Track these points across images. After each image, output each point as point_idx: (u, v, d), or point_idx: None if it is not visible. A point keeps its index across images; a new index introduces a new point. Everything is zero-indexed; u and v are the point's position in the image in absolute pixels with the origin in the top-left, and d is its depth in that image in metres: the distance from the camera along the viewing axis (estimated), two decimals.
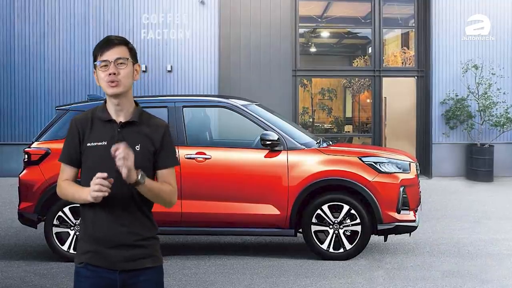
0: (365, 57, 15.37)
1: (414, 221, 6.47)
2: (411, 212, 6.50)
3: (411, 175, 6.60)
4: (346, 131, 15.58)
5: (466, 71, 13.17)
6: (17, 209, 6.85)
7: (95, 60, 2.56)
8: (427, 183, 12.27)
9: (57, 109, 7.02)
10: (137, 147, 2.53)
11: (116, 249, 2.51)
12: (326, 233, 6.51)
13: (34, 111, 13.63)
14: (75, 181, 2.60)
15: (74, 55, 13.59)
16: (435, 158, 13.52)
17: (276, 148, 6.47)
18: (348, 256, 6.45)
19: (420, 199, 6.79)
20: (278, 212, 6.39)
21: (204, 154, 6.52)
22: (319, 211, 6.43)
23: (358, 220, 6.39)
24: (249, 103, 7.14)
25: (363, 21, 15.06)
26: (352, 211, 6.39)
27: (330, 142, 7.08)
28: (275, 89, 13.53)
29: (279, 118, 7.18)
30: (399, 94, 14.33)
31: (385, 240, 6.69)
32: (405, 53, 14.78)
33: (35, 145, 6.73)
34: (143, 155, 2.52)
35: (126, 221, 2.52)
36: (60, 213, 6.47)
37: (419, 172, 6.87)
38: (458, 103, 13.26)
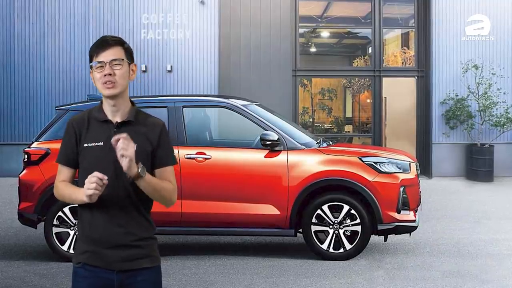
0: (365, 57, 15.36)
1: (414, 221, 6.47)
2: (411, 212, 6.50)
3: (411, 175, 6.60)
4: (346, 131, 15.58)
5: (466, 71, 13.17)
6: (17, 209, 6.84)
7: (91, 61, 2.56)
8: (427, 183, 12.27)
9: (57, 109, 7.02)
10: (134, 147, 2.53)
11: (113, 249, 2.50)
12: (326, 233, 6.51)
13: (34, 111, 13.62)
14: (72, 182, 2.60)
15: (74, 55, 13.59)
16: (435, 158, 13.52)
17: (276, 148, 6.46)
18: (348, 256, 6.45)
19: (420, 199, 6.79)
20: (278, 212, 6.39)
21: (204, 154, 6.52)
22: (319, 211, 6.42)
23: (358, 220, 6.39)
24: (249, 103, 7.14)
25: (363, 21, 15.06)
26: (352, 211, 6.39)
27: (330, 142, 7.08)
28: (275, 89, 13.53)
29: (279, 118, 7.18)
30: (399, 94, 14.33)
31: (385, 240, 6.69)
32: (405, 53, 14.77)
33: (35, 145, 6.73)
34: (140, 155, 2.51)
35: (123, 221, 2.52)
36: (60, 213, 6.47)
37: (419, 172, 6.87)
38: (458, 103, 13.25)
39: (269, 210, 6.40)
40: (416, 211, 6.62)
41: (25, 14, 13.62)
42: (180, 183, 6.29)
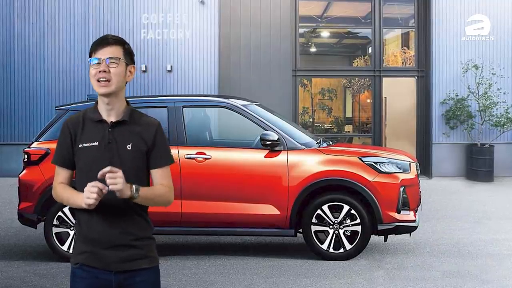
0: (365, 57, 15.36)
1: (414, 221, 6.47)
2: (411, 212, 6.49)
3: (411, 175, 6.59)
4: (346, 131, 15.58)
5: (466, 71, 13.17)
6: (17, 209, 6.84)
7: (90, 57, 2.56)
8: (427, 183, 12.27)
9: (57, 109, 7.01)
10: (129, 147, 2.52)
11: (111, 250, 2.50)
12: (326, 233, 6.51)
13: (34, 111, 13.62)
14: (70, 183, 2.60)
15: (74, 55, 13.58)
16: (435, 158, 13.52)
17: (276, 148, 6.46)
18: (348, 256, 6.45)
19: (420, 199, 6.79)
20: (278, 212, 6.39)
21: (204, 154, 6.51)
22: (319, 211, 6.42)
23: (358, 220, 6.38)
24: (249, 103, 7.13)
25: (363, 21, 15.06)
26: (352, 211, 6.39)
27: (330, 142, 7.08)
28: (275, 89, 13.53)
29: (279, 118, 7.18)
30: (399, 94, 14.33)
31: (385, 240, 6.69)
32: (405, 53, 14.77)
33: (34, 145, 6.73)
34: (135, 155, 2.51)
35: (120, 222, 2.51)
36: (59, 213, 6.46)
37: (419, 172, 6.87)
38: (458, 103, 13.25)
39: (269, 210, 6.40)
40: (416, 211, 6.62)
41: (25, 14, 13.62)
42: (180, 183, 6.29)
